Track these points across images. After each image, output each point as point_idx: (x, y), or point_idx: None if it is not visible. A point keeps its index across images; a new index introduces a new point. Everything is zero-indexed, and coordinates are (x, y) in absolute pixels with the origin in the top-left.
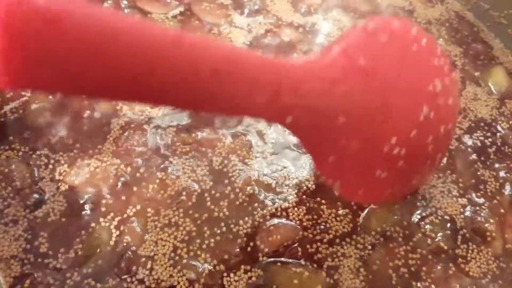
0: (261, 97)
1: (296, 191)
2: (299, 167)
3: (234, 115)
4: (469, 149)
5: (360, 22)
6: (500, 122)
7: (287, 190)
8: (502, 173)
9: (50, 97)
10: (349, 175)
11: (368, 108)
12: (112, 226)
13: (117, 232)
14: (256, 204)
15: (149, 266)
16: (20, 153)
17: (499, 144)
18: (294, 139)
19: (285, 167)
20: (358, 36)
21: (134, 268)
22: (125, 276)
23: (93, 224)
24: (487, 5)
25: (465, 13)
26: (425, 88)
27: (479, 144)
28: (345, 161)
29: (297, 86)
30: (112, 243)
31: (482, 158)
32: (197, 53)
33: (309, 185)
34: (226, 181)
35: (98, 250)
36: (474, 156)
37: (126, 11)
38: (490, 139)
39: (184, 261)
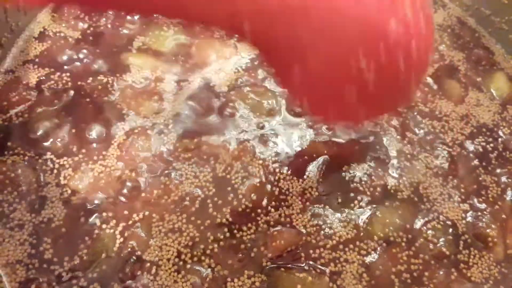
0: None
1: (299, 197)
2: (303, 175)
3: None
4: (471, 155)
5: None
6: (501, 127)
7: (291, 197)
8: (503, 179)
9: (56, 101)
10: (314, 91)
11: (328, 18)
12: (117, 232)
13: (122, 239)
14: (259, 210)
15: (153, 271)
16: (26, 158)
17: (500, 149)
18: (298, 147)
19: (288, 174)
20: None
21: (138, 273)
22: (130, 282)
23: (97, 229)
24: (488, 11)
25: (466, 18)
26: None
27: (481, 149)
28: (308, 75)
29: None
30: (116, 248)
31: (484, 164)
32: None
33: (313, 192)
34: (229, 187)
35: (103, 255)
36: (476, 162)
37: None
38: (491, 145)
39: (188, 266)
